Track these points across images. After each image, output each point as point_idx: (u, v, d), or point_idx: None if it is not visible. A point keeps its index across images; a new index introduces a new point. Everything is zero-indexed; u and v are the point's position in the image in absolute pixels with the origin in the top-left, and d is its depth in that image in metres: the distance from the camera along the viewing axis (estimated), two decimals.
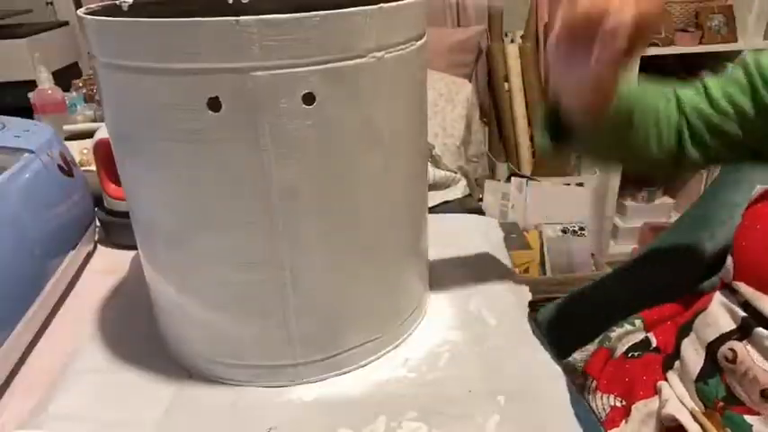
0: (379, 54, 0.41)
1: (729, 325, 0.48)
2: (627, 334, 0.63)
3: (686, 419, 0.48)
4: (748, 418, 0.45)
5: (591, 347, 0.65)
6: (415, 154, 0.50)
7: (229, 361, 0.48)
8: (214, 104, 0.38)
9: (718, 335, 0.48)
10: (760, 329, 0.45)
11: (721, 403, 0.47)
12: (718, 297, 0.51)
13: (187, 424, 0.45)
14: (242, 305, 0.46)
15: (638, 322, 0.64)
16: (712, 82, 0.56)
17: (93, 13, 0.44)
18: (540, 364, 0.50)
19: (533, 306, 0.59)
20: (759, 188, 0.52)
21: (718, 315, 0.49)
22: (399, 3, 0.42)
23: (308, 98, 0.39)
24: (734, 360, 0.46)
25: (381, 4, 0.40)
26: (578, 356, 0.65)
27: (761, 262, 0.47)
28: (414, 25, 0.44)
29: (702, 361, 0.49)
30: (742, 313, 0.47)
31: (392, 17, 0.41)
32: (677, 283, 0.66)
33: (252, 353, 0.48)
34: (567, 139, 0.53)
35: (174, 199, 0.43)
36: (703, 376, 0.49)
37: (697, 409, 0.48)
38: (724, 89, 0.54)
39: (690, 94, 0.57)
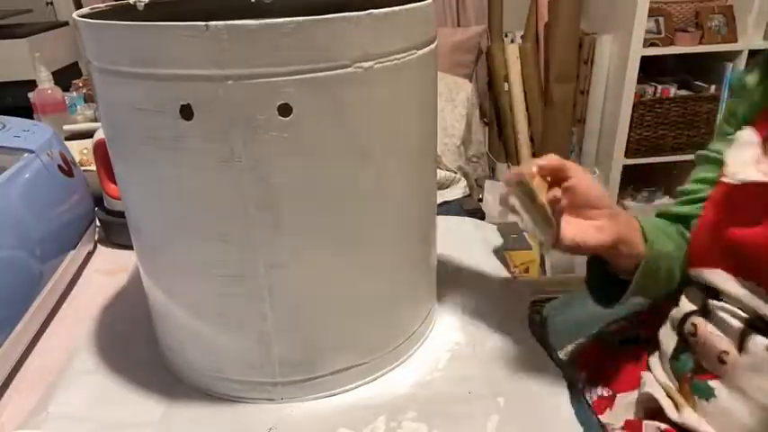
0: (366, 64, 0.38)
1: (692, 306, 0.54)
2: (621, 329, 0.66)
3: (660, 395, 0.53)
4: (711, 383, 0.49)
5: (583, 340, 0.68)
6: (416, 166, 0.46)
7: (210, 373, 0.47)
8: (186, 112, 0.37)
9: (682, 315, 0.54)
10: (711, 301, 0.51)
11: (689, 374, 0.51)
12: (684, 291, 0.56)
13: (187, 424, 0.45)
14: (220, 318, 0.44)
15: (633, 319, 0.67)
16: (688, 183, 0.61)
17: (100, 12, 0.44)
18: (540, 365, 0.50)
19: (533, 306, 0.60)
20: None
21: (684, 300, 0.55)
22: (393, 9, 0.38)
23: (285, 109, 0.37)
24: (695, 333, 0.51)
25: (371, 11, 0.37)
26: (571, 348, 0.68)
27: (701, 242, 0.53)
28: (414, 33, 0.41)
29: (675, 342, 0.54)
30: (700, 294, 0.53)
31: (384, 24, 0.38)
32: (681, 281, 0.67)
33: (231, 367, 0.46)
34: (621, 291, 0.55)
35: (153, 204, 0.42)
36: (676, 354, 0.54)
37: (671, 385, 0.53)
38: (695, 178, 0.60)
39: (675, 210, 0.61)
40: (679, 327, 0.54)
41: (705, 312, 0.52)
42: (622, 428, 0.54)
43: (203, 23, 0.34)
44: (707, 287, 0.52)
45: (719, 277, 0.50)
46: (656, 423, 0.52)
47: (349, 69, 0.37)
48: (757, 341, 0.46)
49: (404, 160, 0.44)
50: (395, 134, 0.42)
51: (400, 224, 0.46)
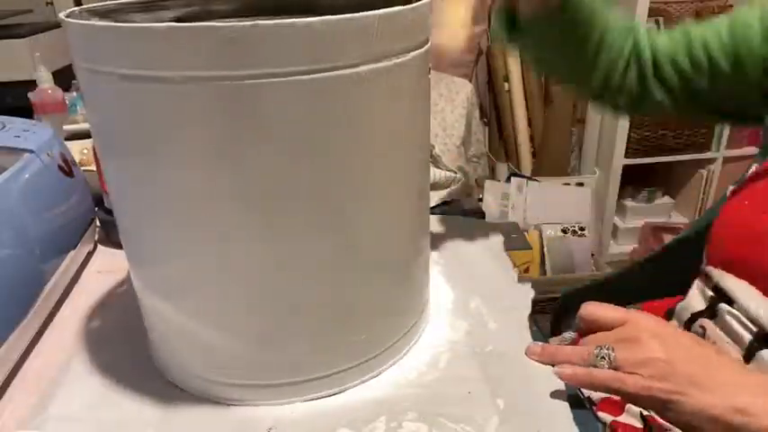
0: (364, 67, 0.37)
1: (701, 305, 0.52)
2: None
3: None
4: None
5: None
6: (411, 163, 0.46)
7: (207, 377, 0.47)
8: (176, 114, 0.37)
9: (690, 314, 0.52)
10: (722, 305, 0.49)
11: None
12: (695, 283, 0.55)
13: (187, 424, 0.45)
14: (217, 320, 0.44)
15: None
16: (696, 30, 0.60)
17: (91, 10, 0.44)
18: (540, 366, 0.50)
19: (534, 306, 0.59)
20: (731, 187, 0.56)
21: (693, 298, 0.53)
22: (395, 9, 0.38)
23: (281, 111, 0.37)
24: (704, 336, 0.50)
25: (372, 11, 0.37)
26: (567, 335, 0.68)
27: (727, 246, 0.52)
28: (412, 34, 0.41)
29: None
30: (710, 293, 0.51)
31: (383, 25, 0.38)
32: (686, 279, 0.67)
33: (228, 370, 0.46)
34: (519, 31, 0.60)
35: (147, 209, 0.42)
36: None
37: None
38: (704, 38, 0.58)
39: (666, 41, 0.62)
40: (686, 326, 0.53)
41: (712, 314, 0.50)
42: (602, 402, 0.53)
43: (165, 24, 0.34)
44: (715, 286, 0.51)
45: (746, 294, 0.47)
46: (640, 408, 0.51)
47: (346, 71, 0.37)
48: (765, 355, 0.45)
49: (399, 159, 0.44)
50: (390, 135, 0.42)
51: (395, 221, 0.47)
